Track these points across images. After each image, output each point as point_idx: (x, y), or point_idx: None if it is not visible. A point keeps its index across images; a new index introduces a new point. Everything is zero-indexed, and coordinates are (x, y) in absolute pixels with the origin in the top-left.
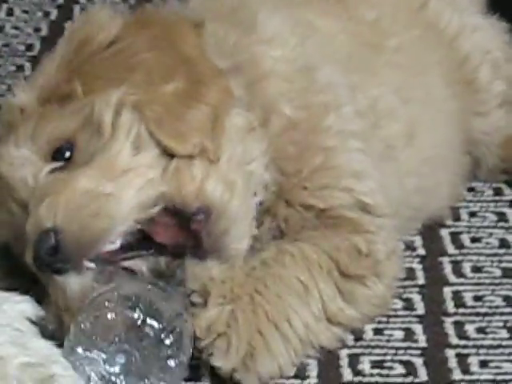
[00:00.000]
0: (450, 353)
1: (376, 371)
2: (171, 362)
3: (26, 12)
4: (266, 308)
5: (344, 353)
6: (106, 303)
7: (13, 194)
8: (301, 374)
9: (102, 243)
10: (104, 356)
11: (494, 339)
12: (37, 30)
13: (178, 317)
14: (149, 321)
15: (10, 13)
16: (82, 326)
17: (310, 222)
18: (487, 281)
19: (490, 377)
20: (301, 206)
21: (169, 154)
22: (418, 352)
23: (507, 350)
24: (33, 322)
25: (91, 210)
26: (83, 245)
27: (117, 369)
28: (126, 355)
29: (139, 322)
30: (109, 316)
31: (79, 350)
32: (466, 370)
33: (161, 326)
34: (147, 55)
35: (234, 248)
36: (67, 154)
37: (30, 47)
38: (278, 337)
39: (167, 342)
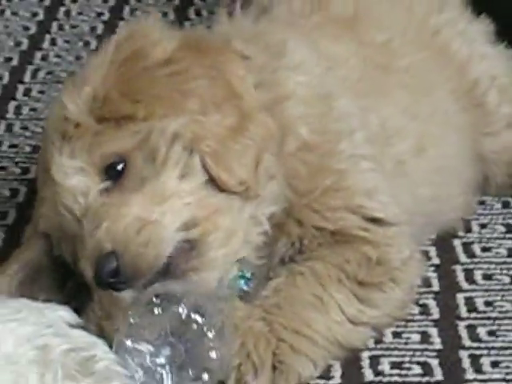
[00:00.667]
0: (464, 354)
1: (395, 371)
2: (213, 354)
3: (67, 42)
4: (282, 321)
5: (365, 355)
6: (154, 299)
7: (64, 200)
8: (325, 374)
9: (155, 267)
10: (151, 348)
11: (504, 341)
12: (78, 58)
13: (220, 312)
14: (193, 315)
15: (53, 42)
16: (132, 320)
17: (323, 240)
18: (497, 287)
19: (501, 376)
20: (312, 227)
21: (213, 185)
22: (434, 354)
23: None
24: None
25: (143, 238)
26: (139, 268)
27: (162, 360)
28: (171, 348)
29: (184, 317)
30: (156, 311)
31: (128, 342)
32: (478, 369)
33: (204, 320)
34: (201, 83)
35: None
36: (119, 170)
37: (71, 74)
38: (302, 339)
39: (210, 335)
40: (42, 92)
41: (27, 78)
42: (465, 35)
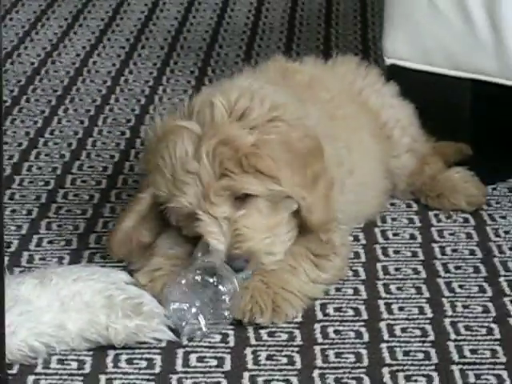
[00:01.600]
0: (381, 302)
1: (336, 313)
2: (225, 312)
3: None
4: (273, 282)
5: (317, 302)
6: (196, 271)
7: (185, 189)
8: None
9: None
10: (188, 306)
11: (407, 294)
12: None
13: (233, 287)
14: (220, 286)
15: None
16: (179, 282)
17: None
18: (402, 259)
19: (405, 316)
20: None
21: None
22: (362, 302)
23: None
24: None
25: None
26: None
27: (193, 309)
28: (201, 303)
29: (214, 284)
30: (197, 278)
31: (174, 299)
32: (390, 312)
33: (225, 289)
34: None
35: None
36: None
37: None
38: (287, 293)
39: (226, 299)
40: None
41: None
42: (379, 92)
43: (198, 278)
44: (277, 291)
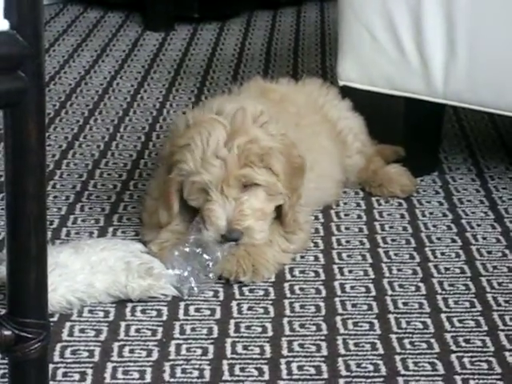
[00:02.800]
0: (336, 264)
1: (301, 275)
2: (210, 275)
3: None
4: (253, 251)
5: (287, 267)
6: (186, 244)
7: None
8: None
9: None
10: (182, 271)
11: (355, 260)
12: None
13: (216, 256)
14: (204, 255)
15: None
16: (174, 253)
17: None
18: (352, 233)
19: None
20: None
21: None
22: (320, 266)
23: None
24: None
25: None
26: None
27: (186, 273)
28: (191, 269)
29: (200, 253)
30: (186, 250)
31: (172, 266)
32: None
33: (209, 258)
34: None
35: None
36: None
37: None
38: (264, 259)
39: (210, 265)
40: None
41: None
42: (336, 107)
43: (187, 249)
44: (256, 258)
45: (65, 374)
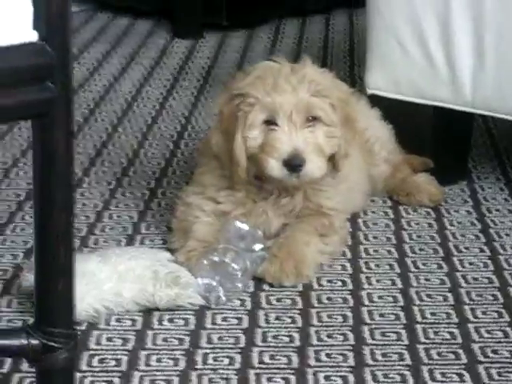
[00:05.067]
0: (346, 264)
1: (329, 284)
2: (239, 284)
3: None
4: (294, 251)
5: (315, 276)
6: (215, 253)
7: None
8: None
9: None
10: (210, 280)
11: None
12: None
13: (246, 266)
14: (233, 264)
15: None
16: (203, 262)
17: (308, 213)
18: (379, 242)
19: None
20: (308, 205)
21: None
22: (348, 276)
23: None
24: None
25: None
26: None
27: (214, 282)
28: (220, 278)
29: (229, 263)
30: (215, 259)
31: (201, 275)
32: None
33: (237, 267)
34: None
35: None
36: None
37: None
38: (305, 260)
39: (239, 274)
40: None
41: None
42: (365, 115)
43: (216, 258)
44: (297, 259)
45: (92, 383)
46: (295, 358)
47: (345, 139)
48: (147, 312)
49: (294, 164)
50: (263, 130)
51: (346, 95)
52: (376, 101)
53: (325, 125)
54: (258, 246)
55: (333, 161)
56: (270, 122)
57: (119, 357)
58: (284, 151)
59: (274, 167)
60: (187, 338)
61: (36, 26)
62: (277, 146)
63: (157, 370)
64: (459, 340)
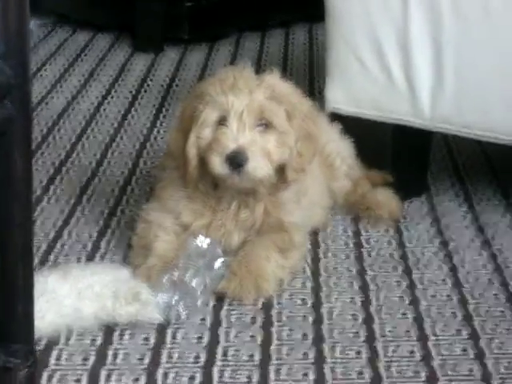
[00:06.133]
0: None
1: (289, 301)
2: (199, 302)
3: None
4: (253, 268)
5: (275, 294)
6: (174, 271)
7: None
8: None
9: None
10: (170, 297)
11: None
12: None
13: (205, 283)
14: (193, 281)
15: None
16: (162, 280)
17: (269, 228)
18: (338, 260)
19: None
20: (269, 219)
21: None
22: (308, 292)
23: None
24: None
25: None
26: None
27: (173, 301)
28: (180, 295)
29: (188, 280)
30: (175, 277)
31: (160, 292)
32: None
33: (197, 284)
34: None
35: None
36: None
37: None
38: (265, 276)
39: (198, 292)
40: None
41: None
42: (325, 130)
43: (175, 277)
44: (258, 274)
45: None
46: (256, 375)
47: (302, 154)
48: (108, 329)
49: (235, 161)
50: (214, 129)
51: (309, 111)
52: (336, 115)
53: (277, 131)
54: (217, 263)
55: (283, 171)
56: (223, 121)
57: (79, 374)
58: (227, 147)
59: (217, 163)
60: (148, 355)
61: None
62: (222, 141)
63: None
64: (418, 356)
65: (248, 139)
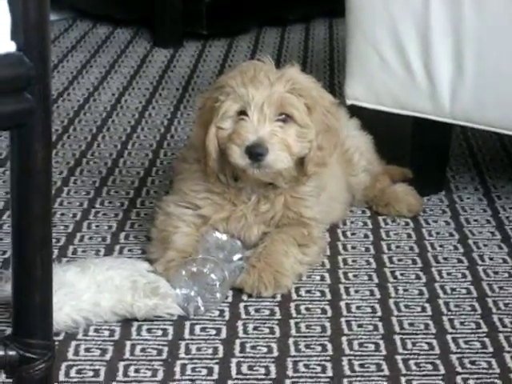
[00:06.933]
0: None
1: (307, 295)
2: (218, 295)
3: None
4: (273, 262)
5: (292, 286)
6: (193, 263)
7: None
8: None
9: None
10: (189, 290)
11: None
12: None
13: (224, 276)
14: (211, 274)
15: None
16: (181, 273)
17: (287, 222)
18: (357, 252)
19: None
20: (288, 213)
21: None
22: (326, 286)
23: None
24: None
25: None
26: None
27: (192, 293)
28: (198, 288)
29: (207, 273)
30: (193, 269)
31: (179, 286)
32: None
33: (215, 277)
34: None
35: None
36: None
37: None
38: (284, 271)
39: (217, 285)
40: None
41: None
42: (344, 125)
43: (194, 269)
44: (276, 269)
45: None
46: (273, 369)
47: (322, 147)
48: (125, 322)
49: (255, 152)
50: (235, 120)
51: (330, 104)
52: (355, 110)
53: (297, 124)
54: (236, 257)
55: (303, 165)
56: (243, 113)
57: (97, 367)
58: (248, 139)
59: (237, 154)
60: (166, 349)
61: (14, 37)
62: (242, 133)
63: (135, 381)
64: (437, 351)
65: (268, 131)
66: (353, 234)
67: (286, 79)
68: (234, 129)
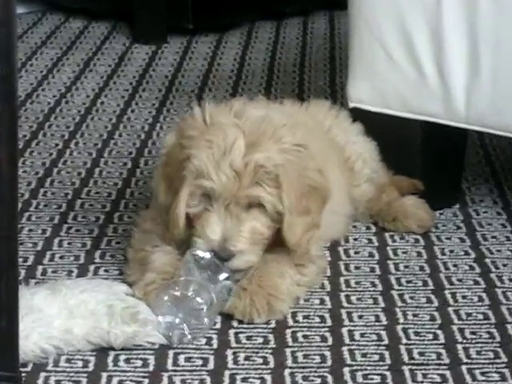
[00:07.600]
0: (342, 295)
1: (305, 320)
2: (205, 320)
3: None
4: (267, 285)
5: (289, 311)
6: (176, 287)
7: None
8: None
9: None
10: (173, 317)
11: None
12: None
13: (211, 299)
14: (197, 298)
15: None
16: (162, 298)
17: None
18: (361, 273)
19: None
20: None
21: None
22: (326, 311)
23: None
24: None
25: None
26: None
27: (177, 320)
28: (183, 314)
29: (192, 297)
30: (176, 293)
31: (161, 313)
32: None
33: (202, 301)
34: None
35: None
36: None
37: None
38: (278, 294)
39: (205, 309)
40: None
41: None
42: (344, 130)
43: (178, 293)
44: (270, 292)
45: None
46: None
47: (310, 210)
48: (101, 351)
49: (219, 256)
50: (203, 201)
51: (301, 158)
52: (359, 114)
53: (269, 208)
54: (222, 276)
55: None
56: (209, 199)
57: None
58: (213, 241)
59: (202, 249)
60: (146, 381)
61: None
62: (207, 231)
63: None
64: (451, 383)
65: (234, 231)
66: (356, 252)
67: (255, 164)
68: (200, 213)
